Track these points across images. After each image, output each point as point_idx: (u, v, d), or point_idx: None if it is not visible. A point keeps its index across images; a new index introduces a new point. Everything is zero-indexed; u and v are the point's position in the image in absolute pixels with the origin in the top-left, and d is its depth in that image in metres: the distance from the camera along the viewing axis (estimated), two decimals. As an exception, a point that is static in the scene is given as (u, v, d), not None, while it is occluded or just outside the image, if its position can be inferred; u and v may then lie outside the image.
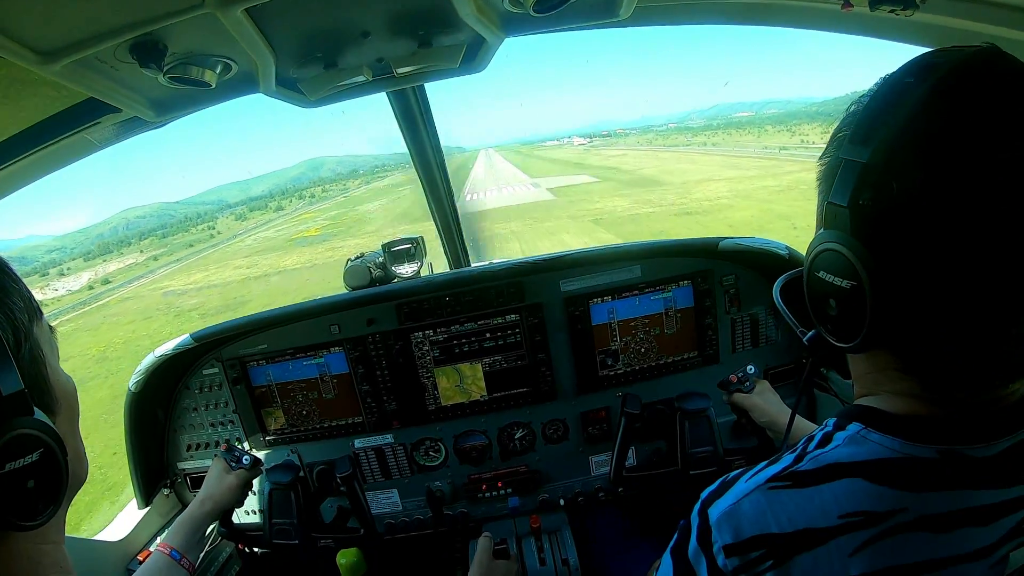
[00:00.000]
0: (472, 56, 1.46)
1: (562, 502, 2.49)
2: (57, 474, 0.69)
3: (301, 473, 2.18)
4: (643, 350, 2.45)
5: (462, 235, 2.74)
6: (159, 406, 2.46)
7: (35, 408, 0.67)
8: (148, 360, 2.30)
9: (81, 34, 1.07)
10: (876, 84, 0.76)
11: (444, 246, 2.76)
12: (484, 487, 2.52)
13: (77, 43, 1.09)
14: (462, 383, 2.46)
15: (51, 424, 0.69)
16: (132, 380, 2.31)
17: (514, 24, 1.33)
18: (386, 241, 2.43)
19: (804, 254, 0.84)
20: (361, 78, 1.44)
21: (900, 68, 0.74)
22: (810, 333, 0.98)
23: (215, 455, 2.14)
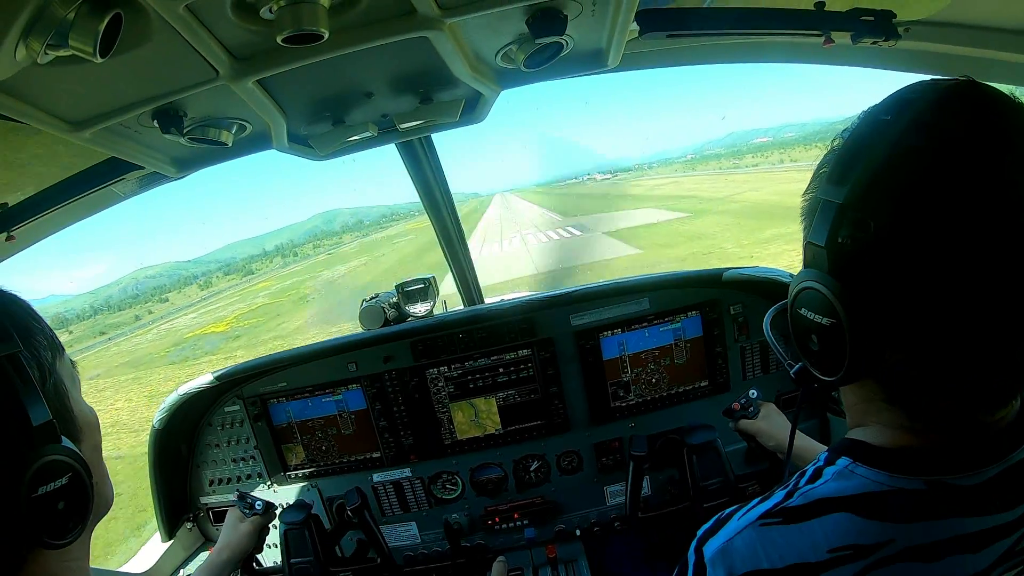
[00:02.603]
0: (471, 109, 1.54)
1: (578, 532, 2.50)
2: (84, 496, 0.76)
3: (314, 510, 2.22)
4: (654, 380, 2.47)
5: (475, 273, 2.81)
6: (182, 442, 2.55)
7: (62, 436, 0.74)
8: (172, 398, 2.39)
9: (108, 106, 1.18)
10: (857, 119, 0.78)
11: (457, 284, 2.83)
12: (501, 519, 2.54)
13: (104, 114, 1.19)
14: (477, 417, 2.50)
15: (77, 450, 0.76)
16: (156, 417, 2.40)
17: (507, 78, 1.40)
18: (399, 282, 2.50)
19: None
20: (367, 133, 1.53)
21: (879, 103, 0.76)
22: (797, 366, 0.99)
23: (230, 505, 2.20)
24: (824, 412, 2.43)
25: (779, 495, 0.84)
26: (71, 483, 0.73)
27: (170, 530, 2.52)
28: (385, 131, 1.59)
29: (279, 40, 0.92)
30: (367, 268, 50.84)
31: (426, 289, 2.46)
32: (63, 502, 0.72)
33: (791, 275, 2.24)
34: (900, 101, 0.73)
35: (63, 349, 0.86)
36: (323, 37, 0.93)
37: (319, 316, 29.02)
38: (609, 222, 39.30)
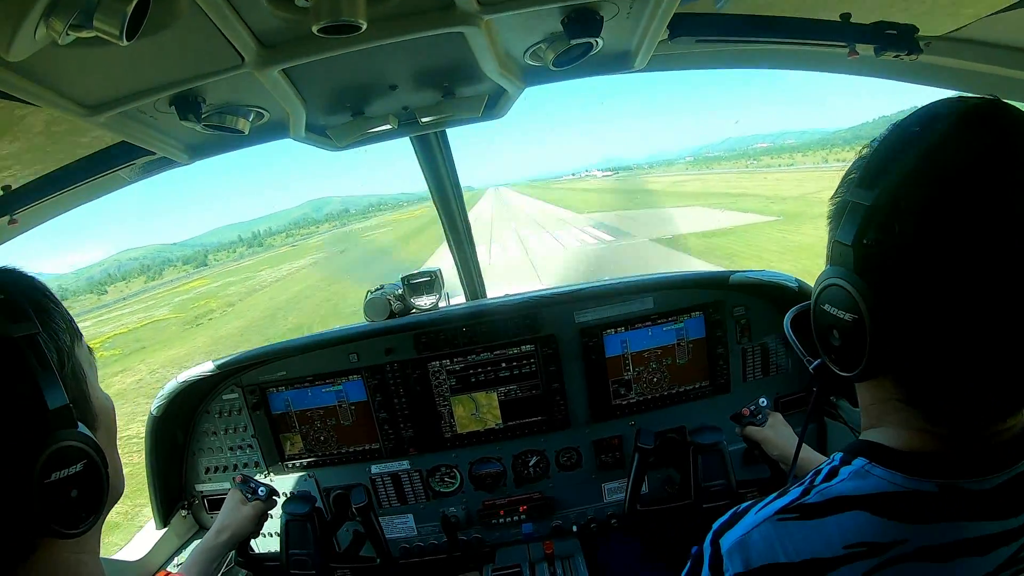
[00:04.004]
0: (493, 104, 1.53)
1: (575, 528, 2.51)
2: (98, 485, 0.73)
3: (318, 503, 2.21)
4: (655, 380, 2.48)
5: (479, 268, 2.80)
6: (179, 429, 2.52)
7: (78, 423, 0.72)
8: (171, 386, 2.36)
9: (126, 90, 1.15)
10: (886, 130, 0.80)
11: (461, 279, 2.81)
12: (499, 513, 2.55)
13: (122, 98, 1.17)
14: (478, 411, 2.50)
15: (93, 437, 0.73)
16: (154, 404, 2.37)
17: (533, 76, 1.39)
18: (405, 274, 2.48)
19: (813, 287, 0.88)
20: (387, 126, 1.51)
21: (908, 116, 0.79)
22: (816, 362, 1.02)
23: (232, 485, 2.17)
24: (822, 417, 2.46)
25: (795, 492, 0.86)
26: (85, 471, 0.71)
27: (165, 517, 2.49)
28: (405, 124, 1.57)
29: (314, 30, 0.89)
30: (307, 272, 42.35)
31: (432, 282, 2.45)
32: (76, 490, 0.70)
33: (797, 280, 2.26)
34: (928, 115, 0.76)
35: (81, 334, 0.85)
36: (361, 28, 0.91)
37: (168, 368, 20.52)
38: (652, 223, 30.40)
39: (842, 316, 0.80)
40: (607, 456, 2.53)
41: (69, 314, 0.82)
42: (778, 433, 1.97)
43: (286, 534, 2.13)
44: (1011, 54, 1.39)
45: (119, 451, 0.90)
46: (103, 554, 2.27)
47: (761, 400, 2.07)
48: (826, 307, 0.84)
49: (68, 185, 1.64)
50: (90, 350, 0.87)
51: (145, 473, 2.45)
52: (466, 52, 1.18)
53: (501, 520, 2.55)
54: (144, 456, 2.43)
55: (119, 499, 0.88)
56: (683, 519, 2.19)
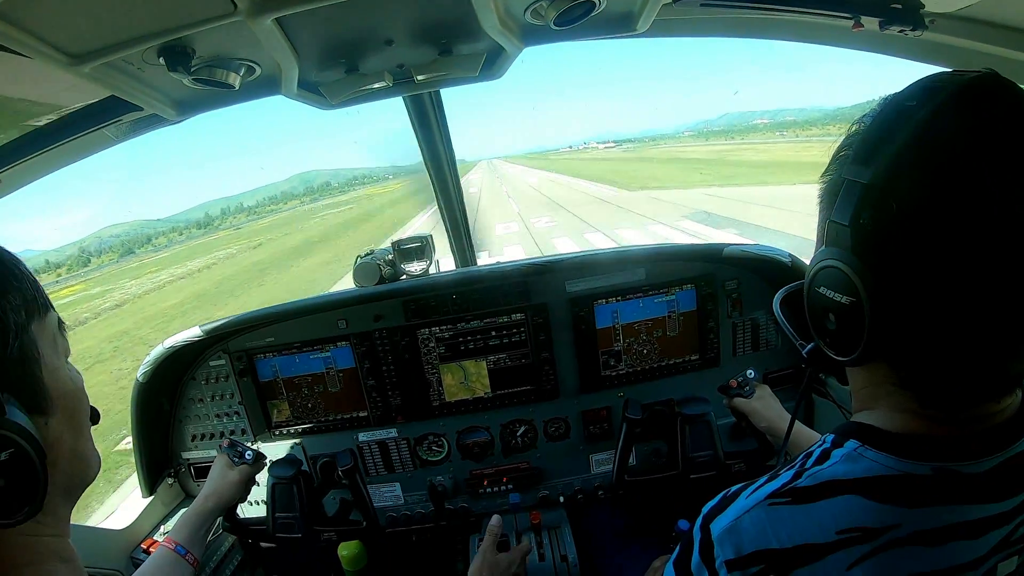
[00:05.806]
0: (491, 64, 1.50)
1: (562, 499, 2.53)
2: (31, 473, 0.69)
3: (304, 467, 2.20)
4: (645, 351, 2.49)
5: (470, 235, 2.77)
6: (165, 396, 2.49)
7: (8, 407, 0.67)
8: (156, 351, 2.33)
9: (113, 38, 1.10)
10: (879, 104, 0.78)
11: (452, 245, 2.79)
12: (485, 482, 2.56)
13: (108, 47, 1.11)
14: (466, 380, 2.49)
15: (23, 424, 0.68)
16: (140, 371, 2.34)
17: (534, 35, 1.36)
18: (395, 239, 2.45)
19: (807, 264, 0.86)
20: (382, 83, 1.47)
21: (903, 90, 0.76)
22: (809, 346, 1.01)
23: (218, 449, 2.15)
24: (811, 394, 2.48)
25: (787, 475, 0.85)
26: (12, 460, 0.66)
27: (151, 486, 2.47)
28: (400, 82, 1.53)
29: None
30: (179, 286, 32.83)
31: (423, 248, 2.42)
32: (4, 479, 0.66)
33: (791, 255, 2.26)
34: (925, 89, 0.74)
35: (47, 309, 0.80)
36: None
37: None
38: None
39: (839, 299, 0.79)
40: (595, 427, 2.54)
41: (34, 289, 0.77)
42: (766, 405, 1.98)
43: (272, 497, 2.13)
44: (1019, 36, 1.38)
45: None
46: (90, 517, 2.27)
47: (748, 372, 2.08)
48: (821, 289, 0.82)
49: (53, 143, 1.58)
50: (60, 326, 0.83)
51: (131, 440, 2.42)
52: (465, 6, 1.14)
53: (488, 490, 2.56)
54: (130, 424, 2.39)
55: (89, 484, 0.85)
56: (670, 490, 2.21)
